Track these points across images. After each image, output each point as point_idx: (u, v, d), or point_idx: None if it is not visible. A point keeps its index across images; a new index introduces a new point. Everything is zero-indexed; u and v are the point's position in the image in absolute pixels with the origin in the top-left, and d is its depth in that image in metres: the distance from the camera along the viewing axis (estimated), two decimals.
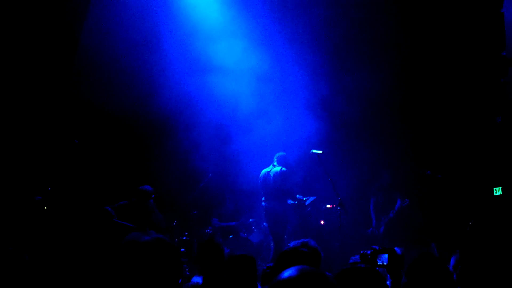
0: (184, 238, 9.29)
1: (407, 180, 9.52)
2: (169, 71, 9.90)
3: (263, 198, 8.73)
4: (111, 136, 9.67)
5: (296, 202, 8.77)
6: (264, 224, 9.31)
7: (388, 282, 3.81)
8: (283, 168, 8.49)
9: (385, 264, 3.70)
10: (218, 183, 10.12)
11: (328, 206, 9.52)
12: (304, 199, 8.96)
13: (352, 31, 9.92)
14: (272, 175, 8.52)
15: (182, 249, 9.19)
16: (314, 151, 8.04)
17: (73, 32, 8.93)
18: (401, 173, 9.60)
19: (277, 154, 8.69)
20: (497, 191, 6.38)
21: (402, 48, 9.65)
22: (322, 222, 9.69)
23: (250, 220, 9.60)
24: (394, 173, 9.61)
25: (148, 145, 10.28)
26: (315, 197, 9.21)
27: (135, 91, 9.77)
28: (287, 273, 1.81)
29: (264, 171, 8.70)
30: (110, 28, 9.17)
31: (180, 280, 2.69)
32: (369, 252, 3.85)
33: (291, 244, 3.91)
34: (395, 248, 3.96)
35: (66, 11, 8.68)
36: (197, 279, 5.30)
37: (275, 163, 8.63)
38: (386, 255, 3.77)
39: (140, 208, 7.73)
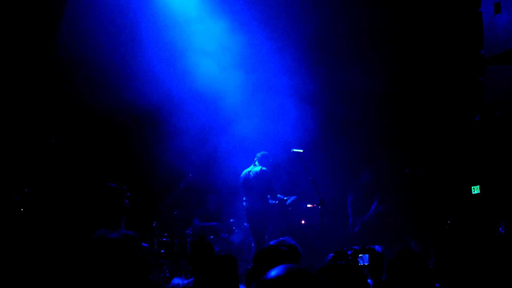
0: (164, 239, 9.22)
1: (387, 179, 9.58)
2: (147, 66, 9.87)
3: (244, 198, 8.70)
4: (86, 133, 9.57)
5: (277, 202, 8.76)
6: (245, 224, 9.28)
7: (369, 280, 3.81)
8: (264, 168, 8.47)
9: (366, 264, 3.70)
10: (199, 183, 10.07)
11: (309, 205, 9.52)
12: (285, 198, 8.95)
13: (336, 27, 9.96)
14: (252, 175, 8.50)
15: (162, 250, 9.13)
16: (295, 150, 8.04)
17: (51, 28, 8.83)
18: (381, 172, 9.65)
19: (258, 154, 8.66)
20: (475, 190, 6.44)
21: (384, 47, 9.70)
22: (303, 222, 9.69)
23: (231, 220, 9.56)
24: (374, 172, 9.65)
25: (126, 144, 10.17)
26: (296, 196, 9.20)
27: (113, 87, 9.70)
28: (274, 272, 1.74)
29: (245, 171, 8.68)
30: (87, 23, 9.10)
31: (151, 276, 2.72)
32: (349, 252, 3.84)
33: (271, 243, 3.89)
34: (376, 246, 3.96)
35: (43, 7, 8.57)
36: (177, 281, 5.27)
37: (256, 163, 8.61)
38: (367, 255, 3.76)
39: (112, 208, 7.57)
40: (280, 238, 3.93)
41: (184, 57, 9.85)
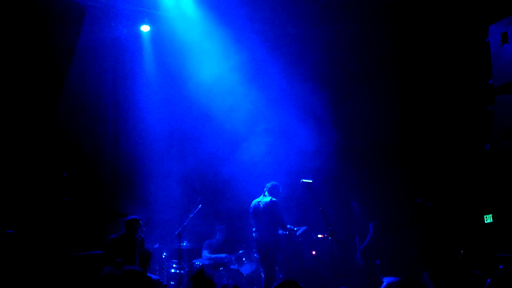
0: (174, 270, 9.16)
1: (397, 209, 9.48)
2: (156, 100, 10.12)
3: (254, 229, 8.65)
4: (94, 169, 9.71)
5: (287, 233, 8.69)
6: (255, 255, 9.20)
7: None
8: (273, 198, 8.43)
9: None
10: (208, 214, 10.05)
11: (319, 236, 9.44)
12: (295, 229, 8.88)
13: (344, 56, 10.08)
14: (262, 205, 8.46)
15: (172, 282, 9.07)
16: (304, 180, 8.00)
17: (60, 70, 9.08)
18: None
19: (267, 184, 8.64)
20: (488, 219, 6.36)
21: (393, 76, 9.76)
22: (313, 252, 9.59)
23: (241, 251, 9.48)
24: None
25: (136, 173, 10.29)
26: (306, 227, 9.13)
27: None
28: None
29: (254, 201, 8.65)
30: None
31: None
32: None
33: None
34: (392, 278, 3.92)
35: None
36: None
37: (266, 193, 8.57)
38: None
39: (130, 239, 7.63)
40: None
41: (187, 84, 10.08)
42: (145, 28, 10.39)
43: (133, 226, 7.68)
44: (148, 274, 7.64)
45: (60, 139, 9.22)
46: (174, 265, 9.23)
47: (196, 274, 5.29)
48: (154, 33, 10.44)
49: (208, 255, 9.56)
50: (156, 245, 9.51)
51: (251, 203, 8.68)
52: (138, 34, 10.45)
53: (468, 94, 8.57)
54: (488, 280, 4.67)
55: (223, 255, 9.50)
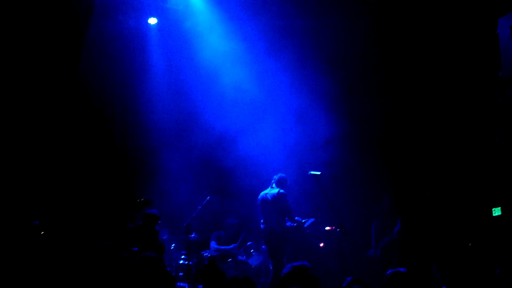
0: (183, 262, 9.22)
1: (407, 202, 9.47)
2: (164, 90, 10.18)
3: (261, 221, 8.69)
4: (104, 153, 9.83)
5: (295, 224, 8.71)
6: (263, 247, 9.24)
7: None
8: (281, 190, 8.46)
9: None
10: (217, 206, 10.11)
11: (327, 228, 9.46)
12: (303, 221, 8.91)
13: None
14: (270, 197, 8.49)
15: (180, 273, 9.13)
16: (313, 172, 8.01)
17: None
18: (401, 196, 9.55)
19: (275, 176, 8.67)
20: (496, 212, 6.35)
21: (404, 69, 9.73)
22: (321, 244, 9.61)
23: (249, 243, 9.52)
24: (393, 196, 9.55)
25: (144, 165, 10.37)
26: (314, 219, 9.15)
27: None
28: None
29: (262, 193, 8.68)
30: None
31: None
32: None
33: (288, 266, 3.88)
34: (400, 269, 3.93)
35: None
36: None
37: (274, 185, 8.60)
38: None
39: (147, 232, 7.74)
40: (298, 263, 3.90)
41: (193, 73, 10.16)
42: (152, 21, 10.40)
43: (152, 220, 7.77)
44: None
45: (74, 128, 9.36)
46: (182, 256, 9.29)
47: (207, 266, 5.33)
48: (161, 26, 10.46)
49: (216, 246, 9.61)
50: (165, 236, 9.58)
51: (258, 195, 8.71)
52: (146, 26, 10.47)
53: (477, 87, 8.53)
54: (497, 270, 4.68)
55: (231, 246, 9.55)
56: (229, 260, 9.18)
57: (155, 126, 10.50)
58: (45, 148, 9.00)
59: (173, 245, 9.61)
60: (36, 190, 8.65)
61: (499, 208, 6.32)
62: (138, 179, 10.19)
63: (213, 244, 9.67)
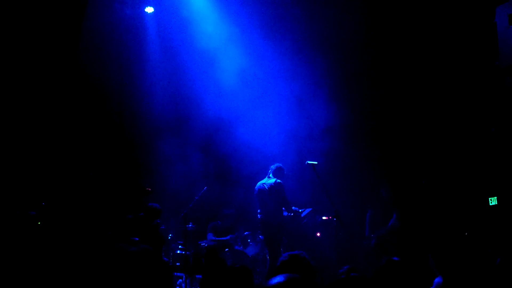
0: (180, 252, 9.23)
1: (404, 193, 9.46)
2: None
3: (258, 211, 8.68)
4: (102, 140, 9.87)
5: (292, 214, 8.71)
6: (260, 236, 9.25)
7: None
8: (278, 180, 8.44)
9: None
10: (214, 196, 10.10)
11: (324, 218, 9.46)
12: (300, 210, 8.90)
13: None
14: (267, 187, 8.48)
15: (177, 263, 9.14)
16: (309, 162, 7.99)
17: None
18: (399, 186, 9.53)
19: (272, 166, 8.65)
20: (493, 201, 6.36)
21: (404, 56, 9.71)
22: (318, 234, 9.63)
23: (246, 233, 9.53)
24: (392, 186, 9.53)
25: (141, 153, 10.38)
26: (310, 208, 9.15)
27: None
28: (275, 280, 2.11)
29: (259, 183, 8.65)
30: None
31: None
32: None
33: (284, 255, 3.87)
34: (394, 258, 3.92)
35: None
36: None
37: (270, 175, 8.58)
38: None
39: (146, 224, 7.74)
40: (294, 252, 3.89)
41: (190, 61, 10.16)
42: (149, 10, 10.38)
43: (154, 213, 7.79)
44: None
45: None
46: (180, 246, 9.30)
47: (208, 252, 5.32)
48: (158, 15, 10.45)
49: (214, 237, 9.61)
50: (163, 226, 9.57)
51: (255, 185, 8.71)
52: (142, 15, 10.44)
53: (475, 76, 8.50)
54: (498, 259, 4.67)
55: (228, 236, 9.55)
56: (226, 250, 9.18)
57: (153, 112, 10.50)
58: (43, 134, 9.02)
59: (170, 235, 9.61)
60: (37, 178, 8.68)
61: (495, 197, 6.34)
62: (136, 166, 10.19)
63: (210, 236, 9.68)
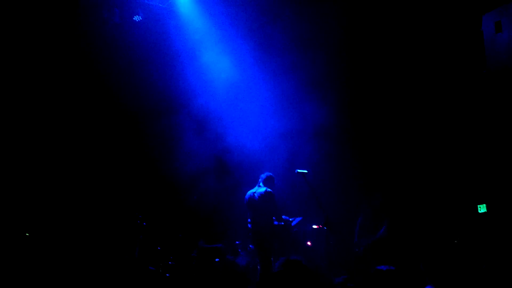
0: (170, 262, 9.14)
1: (397, 202, 9.44)
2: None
3: (249, 220, 8.63)
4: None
5: (282, 223, 8.67)
6: (250, 246, 9.19)
7: None
8: (268, 189, 8.41)
9: None
10: (205, 205, 10.05)
11: (314, 226, 9.43)
12: (290, 219, 8.87)
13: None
14: (257, 196, 8.43)
15: (167, 275, 9.05)
16: (299, 170, 7.96)
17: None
18: (393, 195, 9.50)
19: (262, 175, 8.61)
20: (482, 209, 6.36)
21: (397, 60, 9.74)
22: (309, 243, 9.59)
23: (236, 242, 9.47)
24: (385, 195, 9.50)
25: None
26: (301, 217, 9.12)
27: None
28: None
29: (249, 192, 8.61)
30: None
31: None
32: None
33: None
34: (384, 266, 3.91)
35: None
36: None
37: (261, 184, 8.55)
38: None
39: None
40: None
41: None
42: (137, 18, 10.40)
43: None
44: None
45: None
46: (170, 257, 9.22)
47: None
48: (146, 23, 10.48)
49: (205, 245, 9.54)
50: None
51: (245, 193, 8.67)
52: (132, 23, 10.46)
53: (463, 82, 8.54)
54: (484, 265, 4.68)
55: (219, 245, 9.49)
56: (217, 259, 9.11)
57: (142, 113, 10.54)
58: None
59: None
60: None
61: (484, 205, 6.34)
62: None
63: (201, 243, 9.61)
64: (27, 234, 8.01)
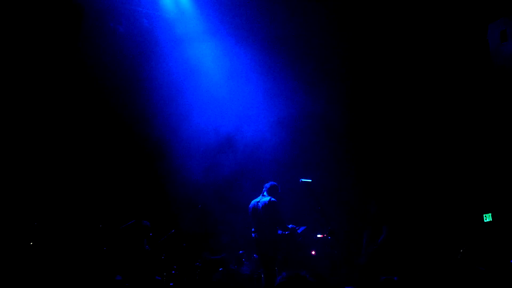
0: (174, 272, 9.11)
1: (393, 208, 9.39)
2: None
3: (253, 229, 8.59)
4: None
5: (287, 232, 8.62)
6: (254, 255, 9.15)
7: None
8: (272, 198, 8.37)
9: None
10: (209, 215, 10.03)
11: (319, 235, 9.38)
12: (296, 228, 8.82)
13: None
14: (261, 205, 8.40)
15: (171, 284, 9.03)
16: (304, 179, 7.94)
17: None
18: (388, 201, 9.46)
19: (266, 184, 8.58)
20: (487, 218, 6.32)
21: (405, 72, 9.73)
22: (313, 252, 9.54)
23: (240, 251, 9.43)
24: (380, 201, 9.45)
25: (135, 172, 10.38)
26: (305, 226, 9.07)
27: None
28: None
29: (253, 201, 8.58)
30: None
31: None
32: None
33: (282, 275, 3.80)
34: (388, 277, 3.87)
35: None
36: None
37: (265, 193, 8.51)
38: None
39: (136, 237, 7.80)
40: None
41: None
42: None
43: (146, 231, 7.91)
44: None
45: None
46: (174, 266, 9.19)
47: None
48: (152, 31, 10.59)
49: (209, 256, 9.52)
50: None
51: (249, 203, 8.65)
52: (137, 32, 10.56)
53: (469, 91, 8.52)
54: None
55: (223, 254, 9.46)
56: (221, 269, 9.08)
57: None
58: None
59: (164, 254, 9.52)
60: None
61: (490, 214, 6.30)
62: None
63: (205, 254, 9.58)
64: (31, 243, 8.02)
